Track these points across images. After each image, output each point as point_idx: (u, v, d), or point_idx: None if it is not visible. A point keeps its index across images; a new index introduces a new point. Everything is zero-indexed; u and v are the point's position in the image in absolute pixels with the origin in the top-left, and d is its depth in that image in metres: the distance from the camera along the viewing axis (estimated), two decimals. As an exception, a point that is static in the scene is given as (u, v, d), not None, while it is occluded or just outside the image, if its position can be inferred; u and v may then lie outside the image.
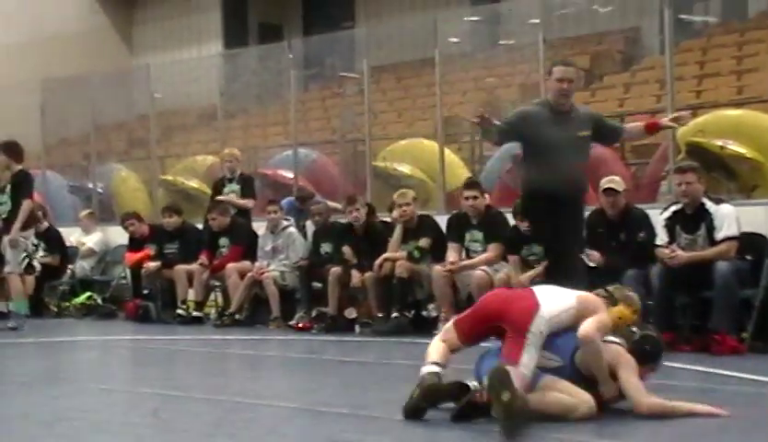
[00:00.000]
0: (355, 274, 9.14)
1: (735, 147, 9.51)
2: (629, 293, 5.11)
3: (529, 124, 6.57)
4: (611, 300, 4.98)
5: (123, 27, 21.76)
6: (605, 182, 7.92)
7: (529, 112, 6.73)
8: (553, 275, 6.75)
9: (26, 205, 9.64)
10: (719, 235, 7.14)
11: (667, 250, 7.25)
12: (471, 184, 9.07)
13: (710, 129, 9.77)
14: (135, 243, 11.21)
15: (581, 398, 4.62)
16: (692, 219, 7.28)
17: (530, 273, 8.01)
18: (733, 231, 7.14)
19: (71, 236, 12.55)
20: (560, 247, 6.73)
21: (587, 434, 4.44)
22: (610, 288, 5.09)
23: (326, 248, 9.82)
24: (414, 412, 4.78)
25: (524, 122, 6.61)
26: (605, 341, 4.82)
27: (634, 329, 4.95)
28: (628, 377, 4.69)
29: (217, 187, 10.98)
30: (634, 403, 4.65)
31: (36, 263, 11.02)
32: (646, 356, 4.81)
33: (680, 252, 7.18)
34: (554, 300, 4.94)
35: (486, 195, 8.95)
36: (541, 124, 6.54)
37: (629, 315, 4.96)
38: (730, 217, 7.17)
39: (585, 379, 4.73)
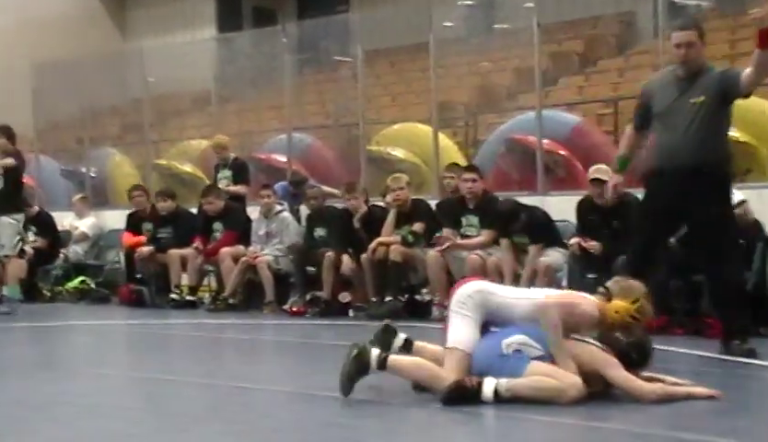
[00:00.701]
0: (346, 261, 9.15)
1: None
2: (627, 283, 5.03)
3: (647, 94, 6.37)
4: (607, 296, 4.95)
5: (116, 10, 21.65)
6: (592, 172, 7.93)
7: (650, 82, 6.53)
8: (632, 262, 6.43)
9: (8, 160, 9.62)
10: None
11: None
12: (470, 168, 9.10)
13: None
14: (133, 224, 11.17)
15: (570, 381, 4.62)
16: None
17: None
18: (739, 197, 7.15)
19: (64, 220, 12.53)
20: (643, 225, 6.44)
21: (577, 417, 4.45)
22: (609, 283, 5.04)
23: (320, 232, 9.82)
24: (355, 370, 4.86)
25: (645, 94, 6.41)
26: (584, 341, 4.82)
27: (620, 336, 4.83)
28: (616, 374, 4.68)
29: (215, 173, 11.00)
30: (638, 396, 4.65)
31: (28, 248, 11.00)
32: (634, 364, 4.77)
33: None
34: (511, 289, 5.17)
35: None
36: (656, 92, 6.28)
37: (627, 307, 4.88)
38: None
39: None
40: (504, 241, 8.33)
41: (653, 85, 6.43)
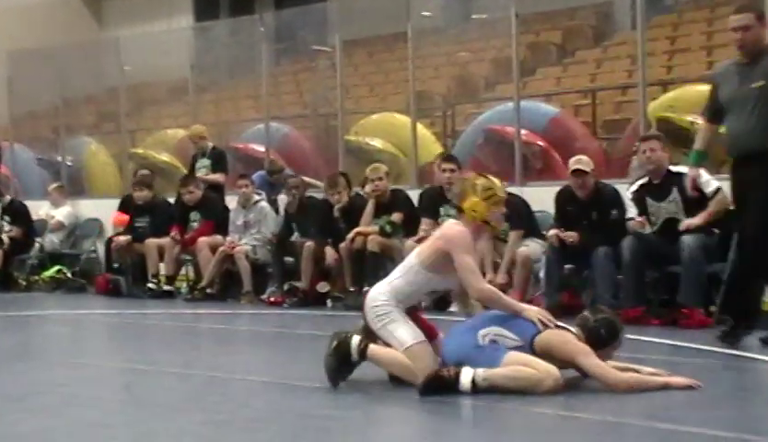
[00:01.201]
0: (330, 252, 9.13)
1: (705, 123, 9.56)
2: (457, 189, 5.14)
3: (714, 85, 6.25)
4: (459, 209, 5.06)
5: (92, -2, 21.48)
6: (573, 163, 7.94)
7: (716, 72, 6.42)
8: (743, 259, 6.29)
9: None
10: (710, 189, 7.14)
11: (637, 221, 7.34)
12: (449, 157, 9.10)
13: (680, 104, 9.83)
14: (127, 205, 11.07)
15: (547, 371, 4.65)
16: (660, 187, 7.34)
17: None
18: (714, 184, 7.18)
19: (40, 209, 12.45)
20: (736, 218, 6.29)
21: (553, 406, 4.47)
22: (447, 212, 5.16)
23: (301, 223, 9.76)
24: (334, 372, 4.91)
25: (713, 84, 6.29)
26: (561, 327, 4.84)
27: (587, 313, 4.94)
28: (589, 362, 4.71)
29: (192, 163, 10.96)
30: (610, 385, 4.68)
31: (4, 237, 10.90)
32: (603, 341, 4.81)
33: (689, 221, 7.18)
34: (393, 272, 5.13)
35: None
36: (721, 81, 6.17)
37: (476, 199, 4.97)
38: (705, 175, 7.17)
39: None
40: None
41: (718, 74, 6.32)
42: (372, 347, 4.94)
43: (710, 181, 7.21)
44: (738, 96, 6.01)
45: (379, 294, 4.98)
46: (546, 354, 4.73)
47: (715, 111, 6.23)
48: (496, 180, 5.10)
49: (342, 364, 4.92)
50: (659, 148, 7.36)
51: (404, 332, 4.87)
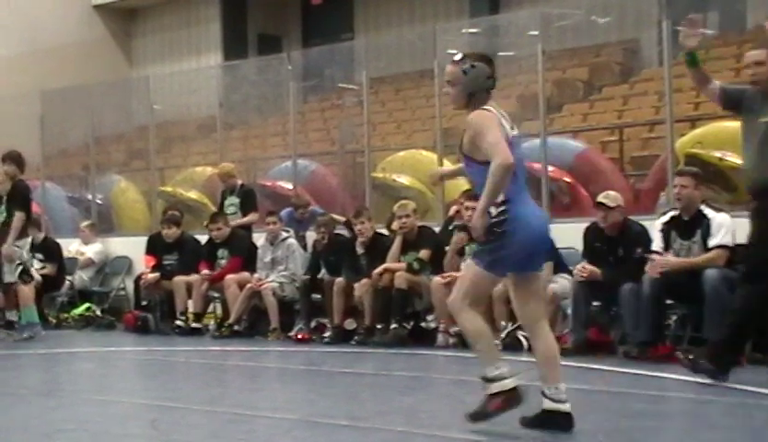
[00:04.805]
0: (359, 288, 9.12)
1: (733, 159, 9.52)
2: None
3: (740, 97, 6.28)
4: None
5: (123, 38, 21.81)
6: (600, 197, 7.94)
7: (746, 89, 6.38)
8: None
9: (19, 217, 9.62)
10: (712, 242, 7.15)
11: (655, 257, 7.26)
12: (476, 196, 9.08)
13: (708, 141, 9.80)
14: (158, 247, 11.06)
15: None
16: (687, 226, 7.30)
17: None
18: (726, 240, 7.14)
19: (70, 246, 12.55)
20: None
21: None
22: None
23: (329, 261, 9.77)
24: None
25: (739, 96, 6.31)
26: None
27: None
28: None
29: (221, 200, 11.03)
30: None
31: (35, 273, 10.95)
32: None
33: (670, 258, 7.17)
34: None
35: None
36: (744, 104, 6.23)
37: None
38: (726, 227, 7.17)
39: None
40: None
41: (745, 94, 6.30)
42: None
43: (719, 234, 7.14)
44: (750, 128, 6.09)
45: None
46: None
47: (728, 95, 6.31)
48: None
49: None
50: (691, 186, 7.29)
51: None
